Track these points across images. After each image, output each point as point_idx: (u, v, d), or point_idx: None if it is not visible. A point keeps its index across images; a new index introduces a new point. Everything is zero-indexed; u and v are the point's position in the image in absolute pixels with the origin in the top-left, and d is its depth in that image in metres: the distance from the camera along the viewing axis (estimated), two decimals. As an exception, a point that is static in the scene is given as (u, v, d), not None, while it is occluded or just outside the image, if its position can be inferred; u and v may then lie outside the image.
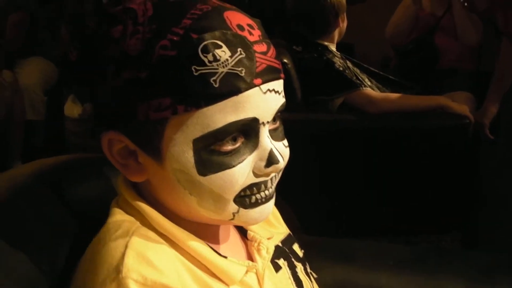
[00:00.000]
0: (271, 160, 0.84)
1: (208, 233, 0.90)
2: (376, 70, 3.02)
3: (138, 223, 0.85)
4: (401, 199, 2.67)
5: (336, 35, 2.85)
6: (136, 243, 0.81)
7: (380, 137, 2.65)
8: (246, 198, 0.84)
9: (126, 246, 0.80)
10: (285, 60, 2.59)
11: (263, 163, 0.83)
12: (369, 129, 2.66)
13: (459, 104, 2.68)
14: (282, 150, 0.87)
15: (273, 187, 0.88)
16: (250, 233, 0.98)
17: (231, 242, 0.96)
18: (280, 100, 0.85)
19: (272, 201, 0.89)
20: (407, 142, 2.63)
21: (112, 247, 0.80)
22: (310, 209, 2.61)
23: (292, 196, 2.55)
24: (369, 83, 2.84)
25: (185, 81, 0.75)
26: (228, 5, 0.85)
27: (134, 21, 0.81)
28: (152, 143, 0.81)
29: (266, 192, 0.86)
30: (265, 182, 0.85)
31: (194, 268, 0.84)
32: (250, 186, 0.84)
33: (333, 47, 2.84)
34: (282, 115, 0.87)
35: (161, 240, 0.83)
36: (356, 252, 1.46)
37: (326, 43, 2.82)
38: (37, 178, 1.02)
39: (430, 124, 2.66)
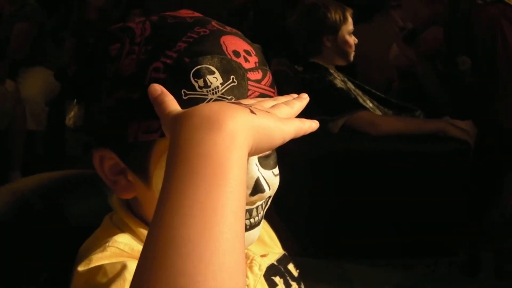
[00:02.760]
0: (257, 188, 0.83)
1: None
2: (378, 93, 3.02)
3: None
4: (399, 221, 2.66)
5: (331, 56, 2.85)
6: (123, 238, 0.84)
7: (380, 160, 2.64)
8: None
9: (112, 238, 0.83)
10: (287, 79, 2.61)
11: (249, 191, 0.82)
12: (369, 152, 2.66)
13: (460, 128, 2.68)
14: (270, 179, 0.86)
15: (260, 215, 0.87)
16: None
17: None
18: None
19: (259, 228, 0.88)
20: (407, 165, 2.62)
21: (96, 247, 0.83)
22: (307, 231, 2.61)
23: (289, 217, 2.56)
24: (370, 104, 2.84)
25: None
26: (228, 29, 0.85)
27: (132, 40, 0.81)
28: (140, 164, 0.82)
29: (252, 220, 0.86)
30: (250, 211, 0.85)
31: None
32: None
33: (332, 69, 2.85)
34: None
35: None
36: (354, 277, 1.46)
37: (324, 64, 2.82)
38: (38, 194, 1.03)
39: (430, 148, 2.66)
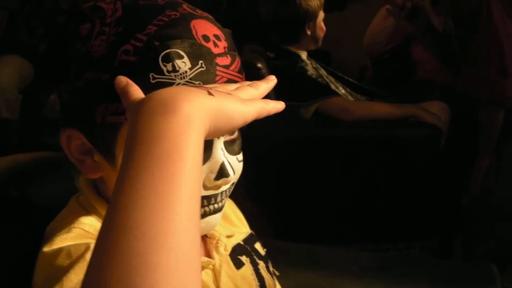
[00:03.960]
0: (221, 172, 0.83)
1: None
2: (350, 79, 3.04)
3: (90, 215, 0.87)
4: (372, 206, 2.69)
5: (307, 43, 2.86)
6: (88, 219, 0.85)
7: (352, 145, 2.66)
8: None
9: (78, 220, 0.84)
10: (259, 65, 2.62)
11: (214, 175, 0.83)
12: (341, 137, 2.67)
13: (431, 113, 2.70)
14: (234, 164, 0.87)
15: (224, 201, 0.89)
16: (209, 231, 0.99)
17: None
18: None
19: (220, 213, 0.89)
20: (378, 150, 2.65)
21: (62, 227, 0.84)
22: (283, 215, 2.63)
23: (265, 202, 2.58)
24: (343, 91, 2.86)
25: (142, 88, 0.73)
26: (199, 12, 0.85)
27: (102, 20, 0.81)
28: (107, 145, 0.82)
29: (216, 205, 0.87)
30: (215, 196, 0.86)
31: None
32: (201, 198, 0.83)
33: (304, 55, 2.86)
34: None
35: None
36: (322, 258, 1.48)
37: (297, 51, 2.83)
38: (4, 176, 1.03)
39: (401, 133, 2.69)
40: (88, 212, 0.87)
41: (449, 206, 2.72)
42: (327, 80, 2.82)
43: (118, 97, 0.73)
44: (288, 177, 2.63)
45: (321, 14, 2.83)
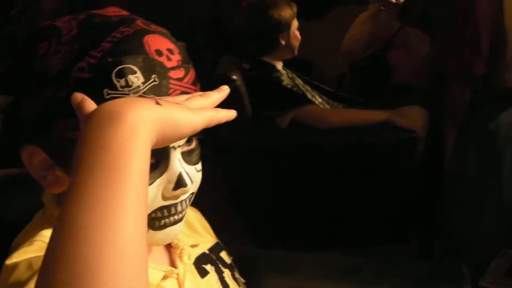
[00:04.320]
0: (179, 183, 0.85)
1: None
2: (327, 88, 3.07)
3: None
4: (351, 211, 2.71)
5: (282, 53, 2.88)
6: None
7: (330, 152, 2.68)
8: (156, 220, 0.86)
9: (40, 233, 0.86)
10: (234, 77, 2.63)
11: (172, 186, 0.85)
12: (316, 145, 2.69)
13: (407, 118, 2.73)
14: (192, 174, 0.88)
15: (184, 212, 0.90)
16: (174, 241, 1.00)
17: (154, 249, 0.98)
18: None
19: (181, 224, 0.90)
20: (356, 156, 2.68)
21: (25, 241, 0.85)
22: (266, 223, 2.65)
23: (248, 210, 2.60)
24: (320, 99, 2.88)
25: (97, 104, 0.73)
26: (153, 28, 0.86)
27: (58, 39, 0.83)
28: (67, 161, 0.82)
29: (176, 216, 0.88)
30: (175, 205, 0.87)
31: None
32: (161, 209, 0.85)
33: (280, 66, 2.88)
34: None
35: None
36: (296, 264, 1.50)
37: (271, 61, 2.85)
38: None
39: (377, 139, 2.71)
40: (52, 225, 0.88)
41: (426, 208, 2.74)
42: (304, 89, 2.84)
43: (75, 113, 0.74)
44: (269, 186, 2.65)
45: (295, 23, 2.85)
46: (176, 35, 0.90)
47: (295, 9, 2.84)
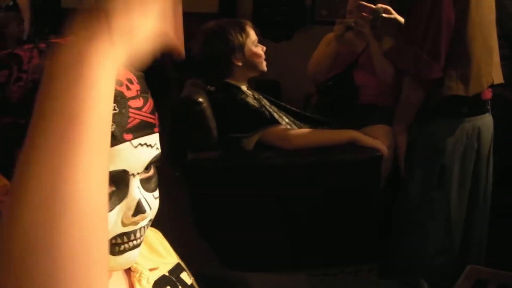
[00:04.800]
0: (138, 209, 0.87)
1: None
2: (293, 108, 3.09)
3: None
4: (317, 232, 2.73)
5: (242, 73, 2.89)
6: None
7: (295, 172, 2.71)
8: (116, 246, 0.88)
9: None
10: (200, 100, 2.65)
11: (131, 212, 0.87)
12: (280, 166, 2.72)
13: (371, 137, 2.77)
14: (150, 200, 0.90)
15: (142, 237, 0.91)
16: (133, 265, 1.02)
17: (113, 273, 0.99)
18: (153, 152, 0.89)
19: (139, 249, 0.92)
20: (321, 176, 2.70)
21: None
22: (231, 246, 2.65)
23: (213, 233, 2.60)
24: (287, 120, 2.90)
25: None
26: None
27: (19, 67, 0.84)
28: None
29: (135, 242, 0.90)
30: (134, 232, 0.89)
31: None
32: (121, 235, 0.87)
33: (245, 87, 2.89)
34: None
35: None
36: (255, 285, 1.51)
37: (236, 83, 2.86)
38: None
39: (342, 158, 2.75)
40: None
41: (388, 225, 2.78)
42: (270, 110, 2.85)
43: None
44: (234, 207, 2.66)
45: (250, 41, 2.86)
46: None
47: (247, 26, 2.85)
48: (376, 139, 2.78)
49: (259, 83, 3.96)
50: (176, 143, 2.65)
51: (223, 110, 2.73)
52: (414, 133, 2.69)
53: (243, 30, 2.84)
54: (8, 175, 0.86)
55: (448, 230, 2.66)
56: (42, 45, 0.88)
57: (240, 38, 2.82)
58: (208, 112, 2.68)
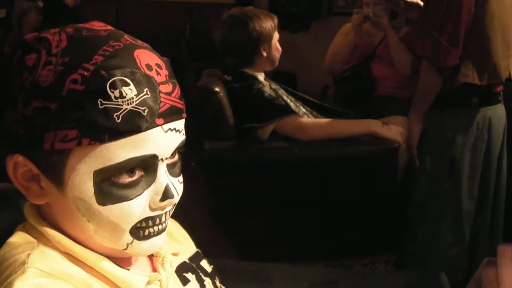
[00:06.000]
0: (166, 194, 0.88)
1: (111, 251, 0.92)
2: (311, 98, 3.08)
3: (37, 244, 0.88)
4: (335, 223, 2.72)
5: (263, 65, 2.86)
6: (38, 254, 0.85)
7: (312, 164, 2.68)
8: (141, 230, 0.88)
9: (28, 255, 0.84)
10: (216, 89, 2.65)
11: (159, 197, 0.88)
12: (299, 157, 2.69)
13: (390, 129, 2.74)
14: (177, 185, 0.91)
15: (167, 221, 0.92)
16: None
17: (137, 257, 1.00)
18: (180, 138, 0.90)
19: (163, 234, 0.93)
20: (338, 167, 2.68)
21: (12, 261, 0.84)
22: (248, 237, 2.65)
23: (230, 225, 2.60)
24: (304, 110, 2.88)
25: (90, 114, 0.79)
26: (140, 43, 0.89)
27: (48, 51, 0.84)
28: (55, 171, 0.85)
29: (160, 226, 0.91)
30: (160, 216, 0.90)
31: (97, 282, 0.88)
32: (146, 219, 0.88)
33: (261, 77, 2.87)
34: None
35: (64, 257, 0.87)
36: (271, 275, 1.51)
37: (253, 73, 2.84)
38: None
39: (359, 150, 2.72)
40: (33, 237, 0.90)
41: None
42: (287, 100, 2.84)
43: (66, 124, 0.78)
44: (250, 199, 2.66)
45: (276, 35, 2.84)
46: (162, 46, 0.92)
47: (276, 21, 2.83)
48: (395, 130, 2.75)
49: (276, 75, 3.96)
50: (192, 132, 2.64)
51: (240, 100, 2.71)
52: (424, 123, 2.68)
53: (273, 22, 2.82)
54: (35, 159, 0.87)
55: (459, 222, 2.64)
56: (69, 29, 0.88)
57: (270, 29, 2.81)
58: (225, 101, 2.68)
